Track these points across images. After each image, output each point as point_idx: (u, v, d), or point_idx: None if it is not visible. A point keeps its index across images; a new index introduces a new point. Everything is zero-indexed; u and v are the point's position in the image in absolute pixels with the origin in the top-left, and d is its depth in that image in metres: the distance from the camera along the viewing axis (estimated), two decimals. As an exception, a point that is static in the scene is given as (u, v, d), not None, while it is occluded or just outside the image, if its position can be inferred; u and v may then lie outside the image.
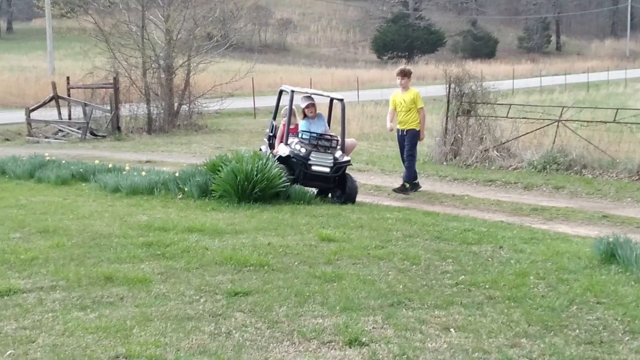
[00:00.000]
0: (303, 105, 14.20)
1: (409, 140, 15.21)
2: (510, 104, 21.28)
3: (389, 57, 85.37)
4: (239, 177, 12.58)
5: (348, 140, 14.41)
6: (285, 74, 57.77)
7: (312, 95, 14.63)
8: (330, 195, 14.13)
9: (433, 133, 20.48)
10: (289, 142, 13.89)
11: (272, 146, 14.67)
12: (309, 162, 13.43)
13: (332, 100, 15.32)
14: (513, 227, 11.34)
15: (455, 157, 19.50)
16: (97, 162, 16.94)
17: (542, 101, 38.19)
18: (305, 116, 14.26)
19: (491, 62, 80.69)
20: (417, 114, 15.22)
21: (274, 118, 15.25)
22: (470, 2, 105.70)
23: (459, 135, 19.72)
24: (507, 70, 67.10)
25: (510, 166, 18.53)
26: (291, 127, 14.24)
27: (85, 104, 29.77)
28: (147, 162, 19.67)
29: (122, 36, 32.09)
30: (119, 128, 29.37)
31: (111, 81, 30.29)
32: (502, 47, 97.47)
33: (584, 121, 19.29)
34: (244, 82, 36.92)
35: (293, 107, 14.33)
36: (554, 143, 18.54)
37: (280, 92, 15.24)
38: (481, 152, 19.19)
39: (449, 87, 19.80)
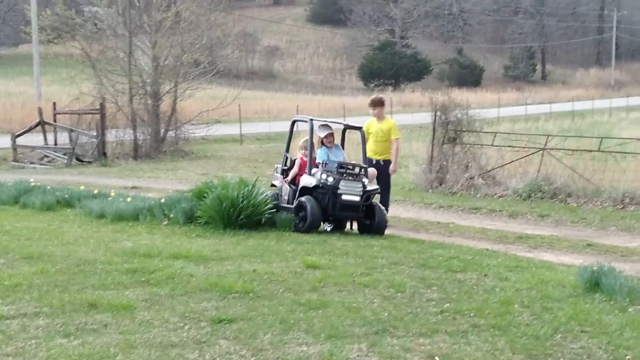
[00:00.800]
0: (322, 134, 13.62)
1: (384, 171, 14.72)
2: (496, 132, 21.39)
3: (375, 85, 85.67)
4: (224, 204, 12.57)
5: (369, 169, 13.76)
6: (272, 101, 57.93)
7: (329, 124, 14.12)
8: (351, 226, 13.75)
9: (419, 161, 20.55)
10: (313, 172, 13.21)
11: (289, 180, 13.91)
12: (339, 192, 12.77)
13: (345, 129, 14.82)
14: (498, 255, 11.37)
15: (440, 185, 19.55)
16: (82, 187, 16.90)
17: (527, 129, 38.38)
18: (322, 145, 13.67)
19: (477, 91, 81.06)
20: (391, 144, 14.82)
21: (287, 150, 14.54)
22: (457, 31, 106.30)
23: (445, 162, 19.79)
24: (492, 98, 67.45)
25: (496, 194, 18.60)
26: (305, 158, 13.65)
27: (71, 130, 29.74)
28: (132, 188, 19.65)
29: (109, 62, 32.15)
30: (104, 154, 29.33)
31: (97, 107, 30.28)
32: (488, 75, 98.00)
33: (569, 150, 19.40)
34: (230, 109, 37.01)
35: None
36: (539, 171, 18.62)
37: (293, 122, 14.73)
38: (467, 179, 19.26)
39: (435, 115, 19.89)
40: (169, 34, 32.58)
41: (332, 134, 13.62)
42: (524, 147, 19.94)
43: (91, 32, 33.16)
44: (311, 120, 13.58)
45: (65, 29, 32.92)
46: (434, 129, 19.94)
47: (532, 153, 19.37)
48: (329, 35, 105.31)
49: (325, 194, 12.85)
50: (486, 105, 53.20)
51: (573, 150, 19.31)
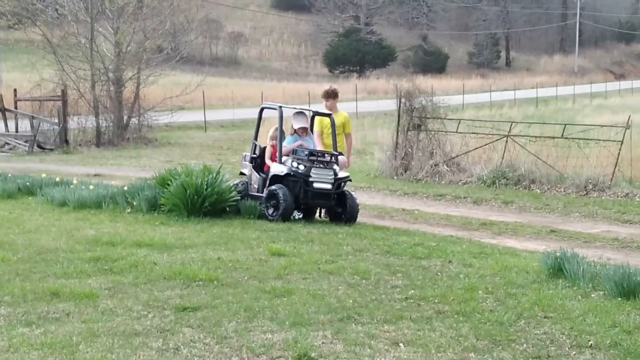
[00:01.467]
0: (297, 126, 13.37)
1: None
2: (460, 119, 21.46)
3: (340, 71, 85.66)
4: (188, 191, 12.50)
5: (340, 157, 13.33)
6: (236, 88, 57.71)
7: (303, 111, 13.86)
8: (321, 214, 13.64)
9: (384, 147, 20.57)
10: (283, 160, 12.92)
11: (258, 168, 13.69)
12: (310, 179, 12.60)
13: (313, 116, 14.00)
14: (462, 242, 11.41)
15: (405, 172, 19.60)
16: (44, 175, 16.73)
17: (491, 116, 38.59)
18: (294, 133, 13.40)
19: (442, 77, 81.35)
20: (343, 139, 13.99)
21: (255, 138, 14.10)
22: (421, 18, 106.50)
23: (410, 149, 19.83)
24: (457, 85, 67.72)
25: (460, 181, 18.67)
26: (276, 145, 13.31)
27: (33, 117, 29.44)
28: (95, 175, 19.50)
29: (71, 48, 31.81)
30: (67, 141, 29.07)
31: (59, 94, 29.98)
32: (453, 62, 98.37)
33: (533, 136, 19.51)
34: (194, 96, 36.80)
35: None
36: (502, 158, 18.72)
37: (262, 110, 14.08)
38: (431, 166, 19.32)
39: (400, 102, 19.92)
40: (132, 19, 32.29)
41: (305, 128, 13.41)
42: (488, 134, 20.04)
43: (52, 18, 32.83)
44: (280, 107, 13.25)
45: (25, 14, 32.55)
46: (398, 116, 19.98)
47: (496, 140, 19.47)
48: (293, 22, 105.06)
49: (296, 182, 12.68)
50: (451, 92, 53.44)
51: (536, 137, 19.43)
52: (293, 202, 12.61)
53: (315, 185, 12.62)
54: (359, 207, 13.32)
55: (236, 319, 7.20)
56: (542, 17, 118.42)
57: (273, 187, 12.73)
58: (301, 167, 12.62)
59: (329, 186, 12.68)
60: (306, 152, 12.78)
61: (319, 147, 13.60)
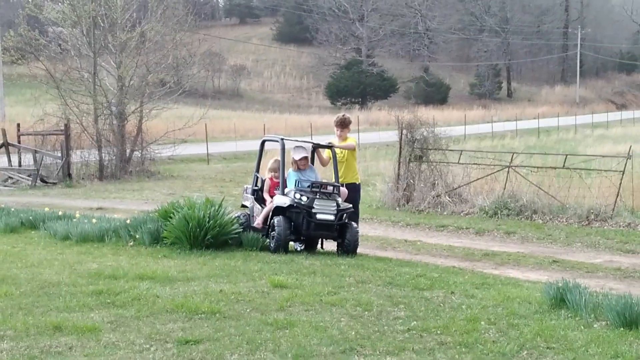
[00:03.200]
0: (297, 157, 13.27)
1: (350, 197, 13.39)
2: (462, 150, 21.51)
3: (342, 103, 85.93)
4: (190, 224, 12.52)
5: (341, 189, 13.19)
6: (239, 120, 57.87)
7: (303, 145, 13.72)
8: (321, 246, 13.65)
9: (385, 179, 20.60)
10: (286, 192, 12.92)
11: (259, 200, 13.62)
12: (313, 211, 12.54)
13: (314, 149, 13.98)
14: (465, 273, 11.41)
15: (407, 203, 19.62)
16: (47, 209, 16.76)
17: (493, 147, 38.65)
18: (297, 168, 13.28)
19: (443, 108, 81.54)
20: (354, 166, 13.93)
21: (257, 170, 14.17)
22: (422, 49, 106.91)
23: (412, 180, 19.86)
24: (459, 116, 67.88)
25: (462, 211, 18.68)
26: (277, 180, 13.33)
27: (36, 151, 29.52)
28: (98, 209, 19.53)
29: (74, 83, 31.95)
30: (69, 175, 29.12)
31: (62, 128, 30.08)
32: (454, 93, 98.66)
33: (534, 167, 19.55)
34: (197, 128, 36.91)
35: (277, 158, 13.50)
36: (504, 188, 18.74)
37: (263, 142, 14.33)
38: (433, 197, 19.34)
39: (401, 133, 19.97)
40: (134, 54, 32.46)
41: (306, 158, 13.37)
42: (489, 165, 20.07)
43: (55, 53, 32.96)
44: (282, 139, 13.30)
45: (29, 49, 32.73)
46: (400, 147, 20.02)
47: (498, 170, 19.50)
48: (295, 54, 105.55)
49: (299, 214, 12.64)
50: (452, 123, 53.55)
51: (538, 167, 19.46)
52: (289, 232, 12.61)
53: (318, 216, 12.54)
54: (359, 239, 13.19)
55: (238, 352, 7.20)
56: (543, 48, 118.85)
57: (274, 219, 12.72)
58: (304, 198, 12.59)
59: (331, 217, 12.61)
60: (308, 184, 12.80)
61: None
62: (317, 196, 12.64)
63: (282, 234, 12.46)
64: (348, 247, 12.74)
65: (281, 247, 12.47)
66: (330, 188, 12.81)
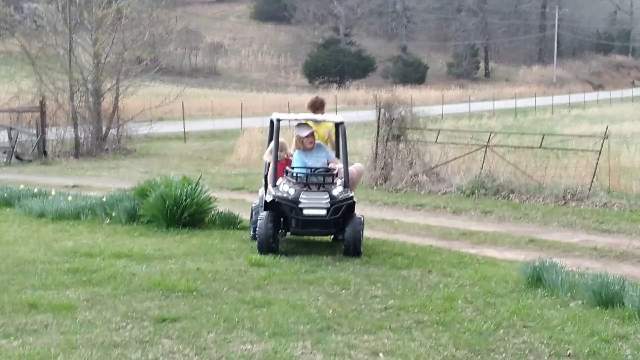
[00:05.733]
0: (303, 134, 11.43)
1: None
2: (439, 129, 21.51)
3: (320, 82, 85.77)
4: (167, 202, 12.47)
5: (351, 169, 11.53)
6: (216, 98, 57.64)
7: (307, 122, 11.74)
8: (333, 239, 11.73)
9: (363, 158, 20.58)
10: (278, 182, 11.17)
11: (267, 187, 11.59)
12: (300, 205, 10.66)
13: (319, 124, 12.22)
14: (442, 252, 11.43)
15: (385, 182, 19.60)
16: (22, 186, 16.64)
17: (471, 127, 38.73)
18: (303, 147, 11.48)
19: (421, 88, 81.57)
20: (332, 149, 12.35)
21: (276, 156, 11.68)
22: (401, 29, 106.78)
23: (389, 160, 19.84)
24: (436, 95, 67.90)
25: (440, 191, 18.70)
26: (285, 161, 11.57)
27: (11, 128, 29.26)
28: (73, 186, 19.38)
29: (49, 59, 31.68)
30: (45, 152, 28.91)
31: (37, 105, 29.84)
32: (432, 73, 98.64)
33: (511, 146, 19.58)
34: (174, 106, 36.71)
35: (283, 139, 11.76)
36: (482, 168, 18.77)
37: (272, 122, 11.93)
38: (411, 176, 19.33)
39: (379, 112, 19.93)
40: (110, 30, 32.18)
41: (312, 134, 11.51)
42: (467, 144, 20.09)
43: (30, 29, 32.67)
44: (278, 120, 11.52)
45: (3, 25, 32.42)
46: (378, 127, 19.99)
47: (475, 150, 19.52)
48: (273, 33, 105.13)
49: (287, 209, 10.80)
50: (430, 103, 53.58)
51: (515, 147, 19.50)
52: (273, 232, 10.67)
53: (306, 211, 10.70)
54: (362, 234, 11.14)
55: (215, 330, 7.18)
56: (521, 28, 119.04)
57: (259, 214, 11.09)
58: (291, 190, 10.79)
59: (322, 212, 10.71)
60: (296, 173, 10.97)
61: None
62: (306, 187, 10.82)
63: (262, 234, 10.64)
64: (347, 248, 10.81)
65: (264, 249, 10.65)
66: (322, 177, 10.96)
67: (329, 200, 10.79)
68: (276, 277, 9.22)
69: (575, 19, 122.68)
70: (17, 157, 28.32)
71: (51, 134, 30.05)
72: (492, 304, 8.23)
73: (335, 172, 11.15)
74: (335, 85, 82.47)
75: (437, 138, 20.40)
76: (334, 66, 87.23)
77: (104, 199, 13.89)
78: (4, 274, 9.29)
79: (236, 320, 7.50)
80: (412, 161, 19.72)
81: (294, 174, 10.95)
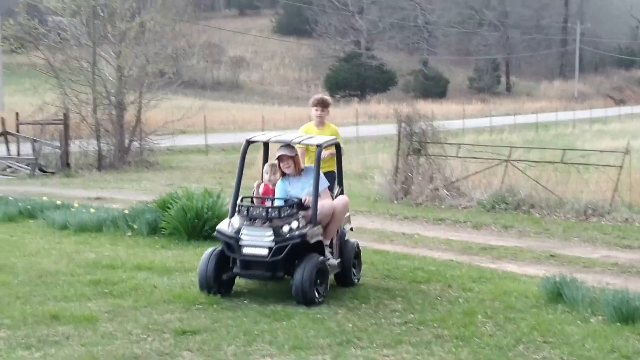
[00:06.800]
0: (278, 153, 9.84)
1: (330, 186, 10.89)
2: (460, 144, 21.49)
3: (341, 96, 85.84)
4: (189, 215, 12.53)
5: (324, 203, 9.55)
6: (237, 112, 57.80)
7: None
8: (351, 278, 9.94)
9: (384, 172, 20.59)
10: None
11: None
12: (240, 243, 9.01)
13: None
14: (462, 266, 11.42)
15: (405, 196, 19.60)
16: (45, 198, 16.76)
17: (491, 141, 38.62)
18: (282, 174, 9.89)
19: (442, 102, 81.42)
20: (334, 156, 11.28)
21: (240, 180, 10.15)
22: (422, 42, 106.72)
23: (410, 174, 19.84)
24: (457, 110, 67.74)
25: (460, 205, 18.67)
26: (272, 186, 10.02)
27: (35, 140, 29.48)
28: (96, 199, 19.50)
29: (73, 72, 31.89)
30: (68, 164, 29.09)
31: (61, 117, 30.05)
32: (453, 87, 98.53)
33: (532, 161, 19.53)
34: (196, 119, 36.86)
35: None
36: (502, 182, 18.73)
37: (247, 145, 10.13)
38: (431, 190, 19.32)
39: (400, 126, 19.95)
40: (134, 44, 32.40)
41: (289, 157, 9.75)
42: (487, 159, 20.06)
43: (55, 42, 32.87)
44: (248, 142, 10.02)
45: (28, 38, 32.67)
46: (399, 140, 20.00)
47: (496, 165, 19.49)
48: (294, 46, 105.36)
49: (226, 245, 9.20)
50: (451, 117, 53.47)
51: (536, 161, 19.44)
52: (214, 274, 9.03)
53: (245, 250, 8.99)
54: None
55: (235, 343, 7.22)
56: (542, 42, 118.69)
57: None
58: (235, 224, 9.19)
59: (262, 252, 8.91)
60: (238, 204, 9.39)
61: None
62: (249, 220, 9.15)
63: (202, 275, 9.10)
64: (295, 294, 8.78)
65: (204, 291, 9.06)
66: (269, 210, 9.12)
67: (272, 237, 8.94)
68: (296, 291, 9.24)
69: (596, 33, 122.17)
70: (41, 170, 28.51)
71: (74, 146, 30.26)
72: (512, 319, 8.22)
73: (291, 202, 9.32)
74: (356, 99, 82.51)
75: (457, 152, 20.38)
76: (355, 80, 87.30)
77: (126, 212, 13.98)
78: (27, 286, 9.37)
79: (256, 333, 7.53)
80: (433, 175, 19.70)
81: (238, 205, 9.38)
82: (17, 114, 32.74)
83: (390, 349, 7.18)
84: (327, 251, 9.42)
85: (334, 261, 9.53)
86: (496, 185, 18.81)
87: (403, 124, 19.93)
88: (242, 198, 9.51)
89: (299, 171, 9.85)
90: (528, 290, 9.55)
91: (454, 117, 54.72)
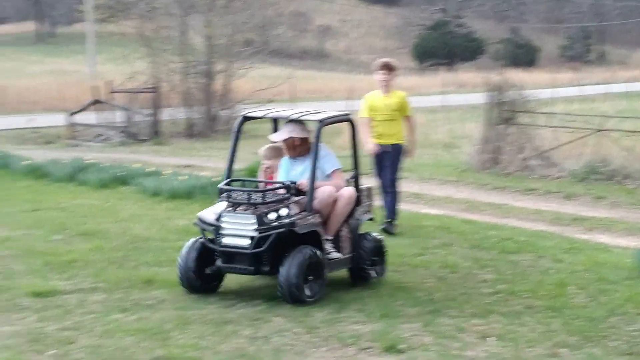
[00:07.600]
0: (278, 138, 8.56)
1: (393, 160, 11.19)
2: (551, 113, 21.13)
3: (430, 65, 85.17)
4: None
5: (325, 189, 8.07)
6: (324, 81, 57.88)
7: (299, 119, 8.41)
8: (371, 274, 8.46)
9: (472, 141, 20.39)
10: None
11: None
12: (220, 232, 7.77)
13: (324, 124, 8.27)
14: (553, 237, 11.24)
15: (495, 166, 19.39)
16: (136, 165, 17.06)
17: (583, 110, 37.88)
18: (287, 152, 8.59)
19: (532, 71, 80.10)
20: (401, 125, 11.32)
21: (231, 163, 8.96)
22: (511, 10, 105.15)
23: (499, 143, 19.60)
24: (548, 78, 66.53)
25: (551, 175, 18.38)
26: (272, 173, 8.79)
27: (126, 109, 30.00)
28: (186, 166, 19.78)
29: (163, 41, 32.29)
30: (158, 132, 29.55)
31: (151, 86, 30.50)
32: (544, 55, 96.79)
33: (626, 131, 19.09)
34: (282, 88, 36.98)
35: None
36: (595, 153, 18.37)
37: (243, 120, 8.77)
38: (521, 160, 19.06)
39: (490, 95, 19.70)
40: (222, 13, 32.63)
41: (292, 138, 8.34)
42: (579, 128, 19.67)
43: (144, 11, 33.31)
44: (245, 118, 8.72)
45: (119, 7, 33.16)
46: (488, 110, 19.77)
47: (589, 134, 19.11)
48: (381, 15, 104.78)
49: (206, 234, 8.09)
50: (542, 86, 52.56)
51: (630, 131, 18.99)
52: (195, 267, 7.80)
53: (224, 240, 7.74)
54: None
55: (326, 310, 7.27)
56: (635, 10, 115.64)
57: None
58: (218, 210, 7.97)
59: (243, 242, 7.62)
60: (218, 186, 8.16)
61: (367, 139, 10.73)
62: (231, 207, 7.86)
63: (181, 268, 7.88)
64: (282, 293, 7.50)
65: (185, 286, 7.89)
66: (253, 194, 7.80)
67: (255, 225, 7.62)
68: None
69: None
70: (132, 137, 29.02)
71: (164, 114, 30.71)
72: (605, 291, 8.09)
73: (277, 185, 8.15)
74: (444, 68, 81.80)
75: (548, 122, 20.04)
76: (442, 48, 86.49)
77: (215, 179, 14.14)
78: (120, 251, 9.58)
79: (345, 301, 7.57)
80: (523, 145, 19.43)
81: (219, 188, 8.10)
82: (109, 82, 33.33)
83: (481, 318, 7.14)
84: (329, 245, 8.05)
85: (337, 255, 8.11)
86: (588, 155, 18.45)
87: (492, 93, 19.69)
88: (231, 181, 8.31)
89: (298, 152, 8.46)
90: (621, 261, 9.37)
91: (544, 86, 53.78)
